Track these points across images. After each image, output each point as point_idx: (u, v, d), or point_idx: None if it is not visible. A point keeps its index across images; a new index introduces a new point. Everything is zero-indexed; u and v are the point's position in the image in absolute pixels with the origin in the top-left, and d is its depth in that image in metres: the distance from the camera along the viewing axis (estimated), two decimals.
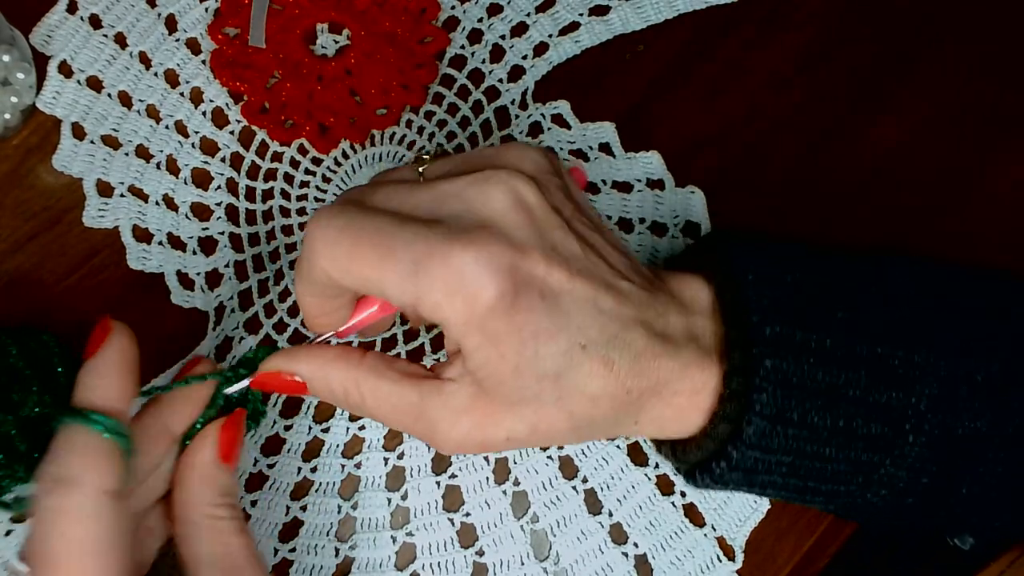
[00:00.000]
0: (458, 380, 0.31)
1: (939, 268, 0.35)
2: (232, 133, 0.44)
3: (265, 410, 0.34)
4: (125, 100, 0.44)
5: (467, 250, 0.28)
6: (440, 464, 0.39)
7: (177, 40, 0.45)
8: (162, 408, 0.33)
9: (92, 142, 0.43)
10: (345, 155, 0.44)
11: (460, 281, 0.28)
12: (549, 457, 0.39)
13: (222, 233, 0.42)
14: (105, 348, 0.30)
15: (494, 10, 0.46)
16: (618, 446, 0.39)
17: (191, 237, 0.42)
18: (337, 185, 0.43)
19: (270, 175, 0.44)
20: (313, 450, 0.40)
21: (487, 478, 0.39)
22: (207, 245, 0.42)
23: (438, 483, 0.39)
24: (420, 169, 0.32)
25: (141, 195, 0.43)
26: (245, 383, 0.33)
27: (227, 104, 0.44)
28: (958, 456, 0.31)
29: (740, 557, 0.38)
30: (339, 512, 0.39)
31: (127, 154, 0.43)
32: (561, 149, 0.43)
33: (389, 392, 0.31)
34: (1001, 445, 0.32)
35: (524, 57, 0.45)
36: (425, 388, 0.31)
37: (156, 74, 0.45)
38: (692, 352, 0.31)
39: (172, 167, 0.43)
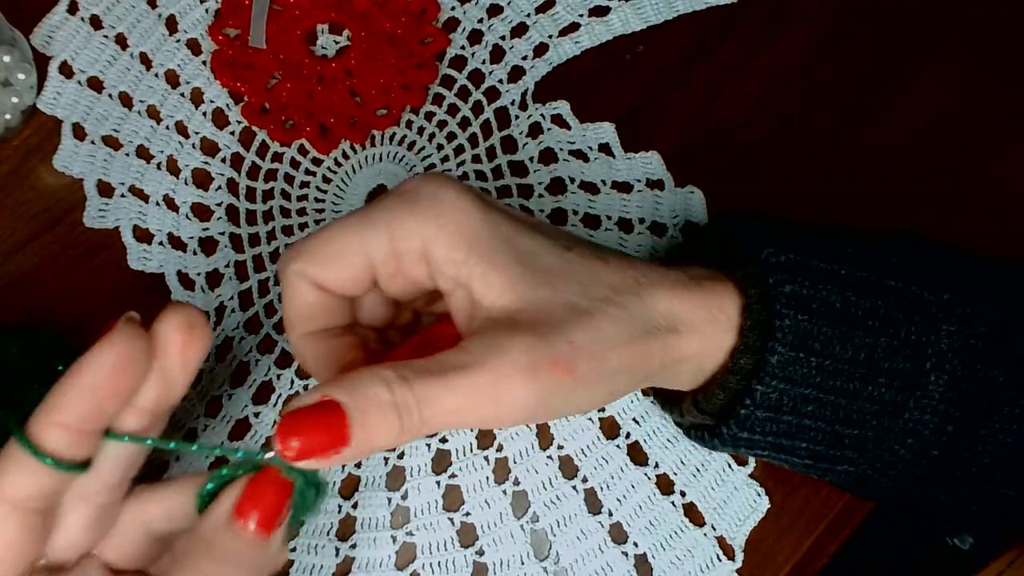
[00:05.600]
0: (482, 322, 0.28)
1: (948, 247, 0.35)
2: (232, 134, 0.44)
3: (325, 487, 0.29)
4: (126, 101, 0.44)
5: (425, 178, 0.29)
6: (440, 464, 0.39)
7: (178, 41, 0.45)
8: (139, 499, 0.29)
9: (93, 143, 0.44)
10: (345, 155, 0.44)
11: (422, 196, 0.29)
12: (549, 457, 0.39)
13: (223, 233, 0.43)
14: (78, 363, 0.26)
15: (494, 11, 0.46)
16: (618, 446, 0.39)
17: (192, 237, 0.42)
18: (337, 185, 0.43)
19: (270, 175, 0.44)
20: None
21: (487, 478, 0.39)
22: (208, 245, 0.42)
23: (438, 483, 0.39)
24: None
25: (142, 195, 0.43)
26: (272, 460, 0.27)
27: (227, 105, 0.44)
28: (978, 405, 0.31)
29: (740, 556, 0.38)
30: (339, 511, 0.39)
31: (128, 155, 0.43)
32: (561, 150, 0.43)
33: (433, 360, 0.27)
34: (1016, 398, 0.32)
35: (524, 58, 0.45)
36: (464, 344, 0.28)
37: (157, 75, 0.45)
38: (708, 276, 0.32)
39: (173, 167, 0.43)
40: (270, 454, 0.26)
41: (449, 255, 0.28)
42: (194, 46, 0.45)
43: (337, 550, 0.38)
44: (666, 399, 0.36)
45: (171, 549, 0.30)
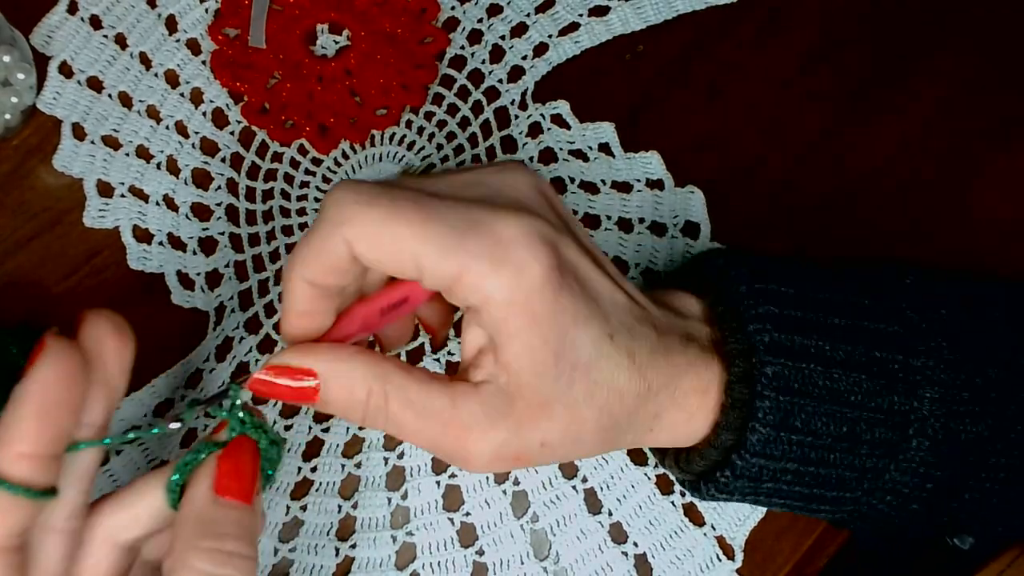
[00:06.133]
0: (492, 381, 0.28)
1: (934, 276, 0.35)
2: (232, 133, 0.44)
3: (282, 442, 0.30)
4: (125, 101, 0.44)
5: (513, 220, 0.27)
6: (440, 464, 0.39)
7: (177, 41, 0.45)
8: (104, 512, 0.29)
9: (92, 142, 0.44)
10: (345, 155, 0.44)
11: (508, 252, 0.26)
12: None
13: (222, 233, 0.43)
14: (25, 388, 0.25)
15: (494, 11, 0.46)
16: None
17: (191, 237, 0.42)
18: None
19: (270, 175, 0.44)
20: (313, 450, 0.40)
21: (487, 478, 0.39)
22: (207, 245, 0.42)
23: (438, 483, 0.39)
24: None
25: (141, 195, 0.43)
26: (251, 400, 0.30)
27: (227, 104, 0.44)
28: (961, 461, 0.31)
29: (740, 556, 0.38)
30: (339, 512, 0.39)
31: (127, 154, 0.43)
32: (561, 149, 0.43)
33: (418, 393, 0.28)
34: (1003, 450, 0.32)
35: (524, 57, 0.45)
36: (457, 391, 0.28)
37: (156, 75, 0.45)
38: (695, 350, 0.31)
39: (172, 167, 0.43)
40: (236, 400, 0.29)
41: (504, 315, 0.27)
42: (194, 46, 0.45)
43: (337, 550, 0.38)
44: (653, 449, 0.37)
45: (140, 555, 0.30)
